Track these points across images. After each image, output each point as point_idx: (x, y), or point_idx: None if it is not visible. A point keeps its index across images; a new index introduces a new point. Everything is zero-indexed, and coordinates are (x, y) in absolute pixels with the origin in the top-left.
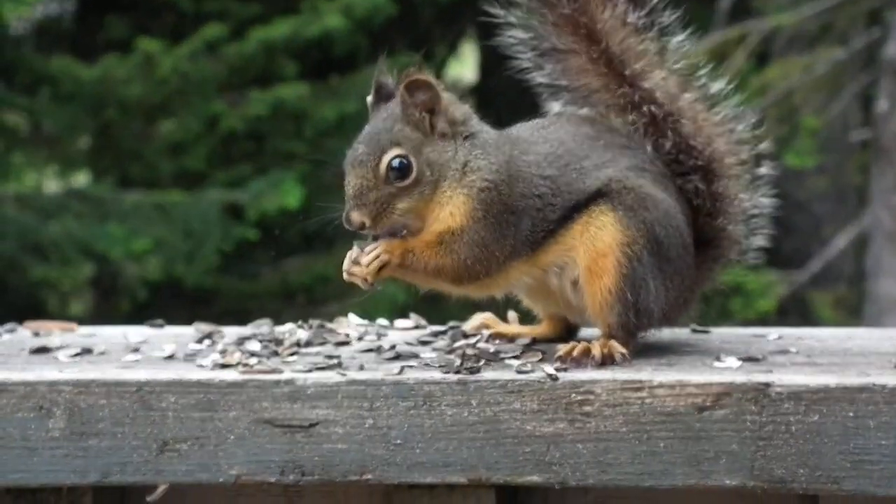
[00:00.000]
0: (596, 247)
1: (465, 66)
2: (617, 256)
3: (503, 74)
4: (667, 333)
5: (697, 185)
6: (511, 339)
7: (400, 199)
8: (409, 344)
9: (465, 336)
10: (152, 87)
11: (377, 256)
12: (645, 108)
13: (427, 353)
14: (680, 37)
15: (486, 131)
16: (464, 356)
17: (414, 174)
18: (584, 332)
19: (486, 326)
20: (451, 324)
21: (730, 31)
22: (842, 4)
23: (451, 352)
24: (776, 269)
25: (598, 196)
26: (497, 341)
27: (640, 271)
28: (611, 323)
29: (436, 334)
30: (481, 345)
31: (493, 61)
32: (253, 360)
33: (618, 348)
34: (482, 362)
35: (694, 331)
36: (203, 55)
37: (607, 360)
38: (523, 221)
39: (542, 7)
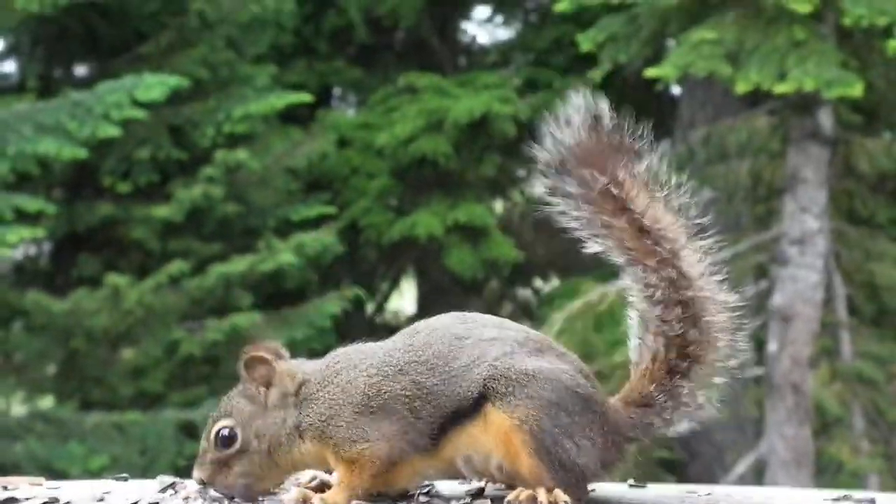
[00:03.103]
0: (498, 438)
1: (405, 299)
2: (519, 437)
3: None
4: (607, 488)
5: (659, 349)
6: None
7: (232, 464)
8: None
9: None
10: (118, 317)
11: None
12: (668, 271)
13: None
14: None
15: (319, 381)
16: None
17: (238, 444)
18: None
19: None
20: None
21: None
22: (734, 259)
23: (408, 499)
24: None
25: (481, 399)
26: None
27: (548, 437)
28: (549, 486)
29: None
30: (423, 497)
31: (430, 296)
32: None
33: (562, 497)
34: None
35: (631, 486)
36: (166, 288)
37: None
38: (406, 423)
39: (582, 189)
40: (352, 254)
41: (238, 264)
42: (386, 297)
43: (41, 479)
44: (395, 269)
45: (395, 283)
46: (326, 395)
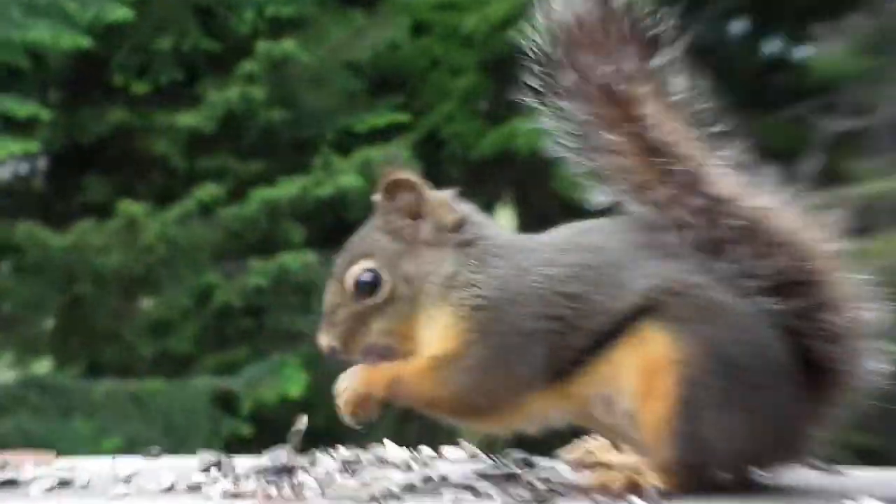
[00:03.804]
0: (645, 368)
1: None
2: (670, 378)
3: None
4: (790, 472)
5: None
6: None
7: (373, 319)
8: (463, 476)
9: (533, 467)
10: (134, 255)
11: (354, 389)
12: (699, 201)
13: (486, 486)
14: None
15: (489, 237)
16: (533, 488)
17: (385, 290)
18: None
19: (589, 453)
20: (516, 454)
21: (820, 196)
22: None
23: (516, 484)
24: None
25: (640, 313)
26: (589, 472)
27: (702, 398)
28: (666, 458)
29: (497, 465)
30: (556, 476)
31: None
32: (273, 490)
33: (650, 478)
34: (556, 495)
35: (822, 471)
36: (196, 219)
37: (624, 493)
38: (536, 347)
39: (578, 81)
40: (432, 173)
41: (287, 188)
42: None
43: (50, 455)
44: (488, 193)
45: (489, 210)
46: (489, 267)
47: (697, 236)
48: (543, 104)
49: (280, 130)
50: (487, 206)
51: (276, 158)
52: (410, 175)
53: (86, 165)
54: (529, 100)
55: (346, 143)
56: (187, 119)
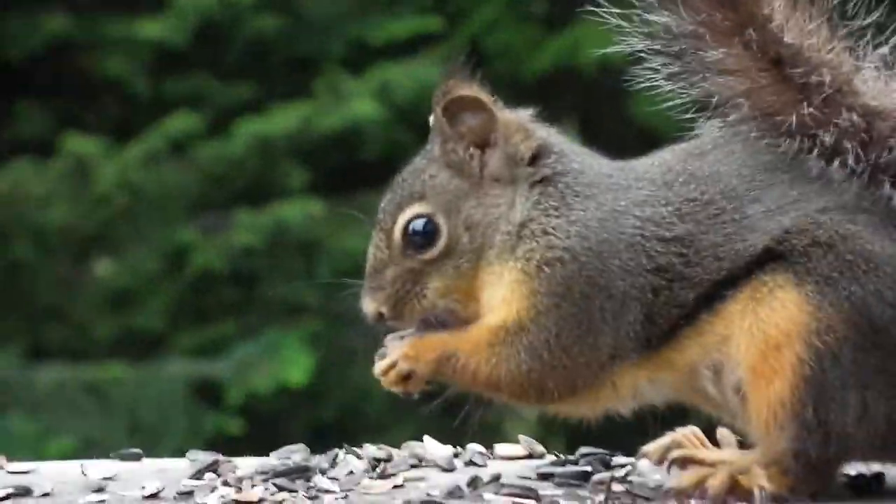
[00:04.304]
0: (766, 335)
1: None
2: (798, 351)
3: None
4: None
5: None
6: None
7: (429, 277)
8: (521, 477)
9: (609, 467)
10: (86, 207)
11: (393, 365)
12: (845, 119)
13: (549, 489)
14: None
15: (573, 171)
16: (609, 491)
17: (443, 241)
18: None
19: (679, 447)
20: (584, 450)
21: None
22: None
23: (587, 486)
24: None
25: (767, 258)
26: (681, 471)
27: (834, 377)
28: (780, 450)
29: (562, 463)
30: (636, 477)
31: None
32: (283, 496)
33: (758, 478)
34: (639, 500)
35: None
36: (165, 159)
37: (725, 496)
38: (629, 309)
39: None
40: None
41: (282, 118)
42: None
43: (1, 458)
44: (545, 121)
45: None
46: (571, 210)
47: (850, 163)
48: (628, 19)
49: (273, 44)
50: None
51: (269, 81)
52: (477, 90)
53: (17, 89)
54: (605, 10)
55: (359, 59)
56: (150, 29)
